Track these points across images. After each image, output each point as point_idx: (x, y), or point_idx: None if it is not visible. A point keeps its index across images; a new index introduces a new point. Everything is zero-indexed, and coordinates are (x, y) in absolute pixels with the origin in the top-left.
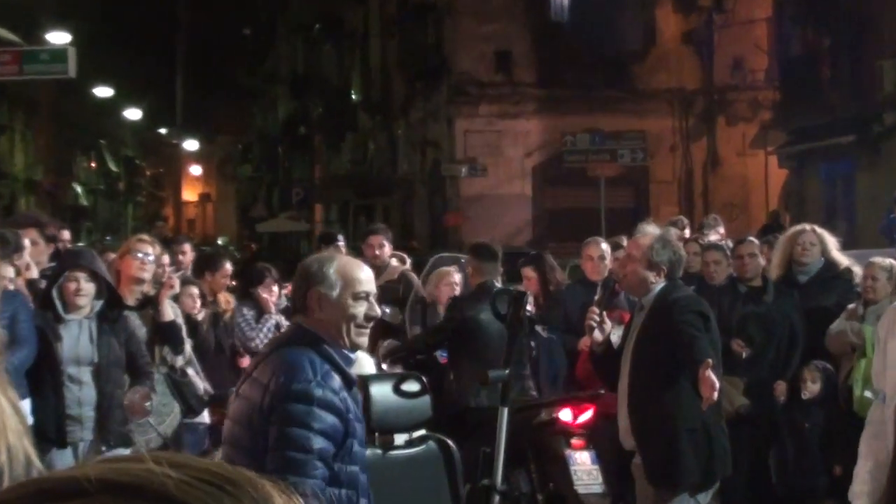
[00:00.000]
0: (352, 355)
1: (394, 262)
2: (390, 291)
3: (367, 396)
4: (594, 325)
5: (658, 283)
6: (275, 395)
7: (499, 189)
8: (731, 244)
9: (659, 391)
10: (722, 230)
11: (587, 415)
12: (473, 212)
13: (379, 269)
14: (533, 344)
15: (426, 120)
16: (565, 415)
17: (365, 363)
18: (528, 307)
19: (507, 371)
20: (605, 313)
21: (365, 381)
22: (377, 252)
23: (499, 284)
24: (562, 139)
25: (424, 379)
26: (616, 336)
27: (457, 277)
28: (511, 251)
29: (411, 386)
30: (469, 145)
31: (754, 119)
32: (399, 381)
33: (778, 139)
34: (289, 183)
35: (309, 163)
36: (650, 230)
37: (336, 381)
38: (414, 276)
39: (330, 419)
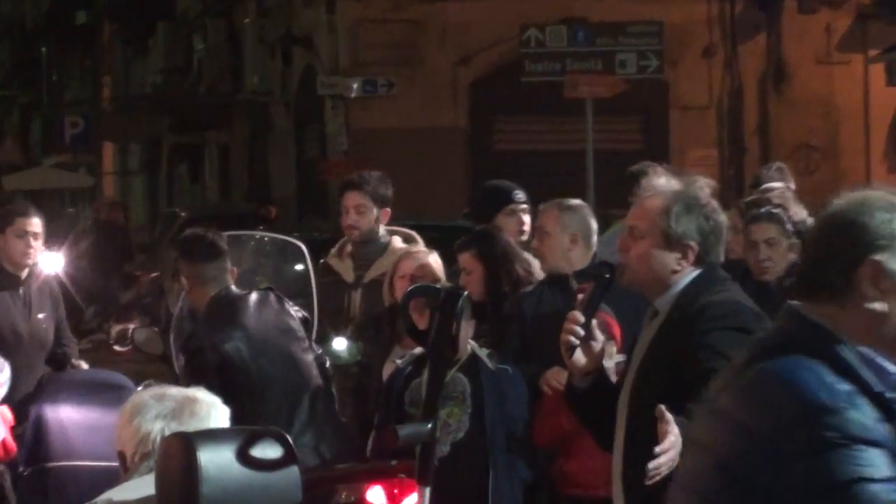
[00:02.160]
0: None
1: (397, 241)
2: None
3: (192, 467)
4: (575, 341)
5: (685, 273)
6: (781, 436)
7: (414, 119)
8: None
9: None
10: (793, 188)
11: (411, 498)
12: (371, 157)
13: (363, 249)
14: (466, 380)
15: (291, 2)
16: (375, 496)
17: (214, 413)
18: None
19: (428, 425)
20: (594, 322)
21: (190, 443)
22: (354, 220)
23: (234, 288)
24: (520, 36)
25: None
26: (613, 362)
27: (431, 260)
28: (440, 227)
29: (267, 450)
30: (364, 46)
31: (845, 3)
32: (246, 442)
33: (885, 37)
34: (59, 107)
35: (92, 74)
36: (663, 184)
37: (867, 409)
38: (440, 265)
39: (883, 463)
